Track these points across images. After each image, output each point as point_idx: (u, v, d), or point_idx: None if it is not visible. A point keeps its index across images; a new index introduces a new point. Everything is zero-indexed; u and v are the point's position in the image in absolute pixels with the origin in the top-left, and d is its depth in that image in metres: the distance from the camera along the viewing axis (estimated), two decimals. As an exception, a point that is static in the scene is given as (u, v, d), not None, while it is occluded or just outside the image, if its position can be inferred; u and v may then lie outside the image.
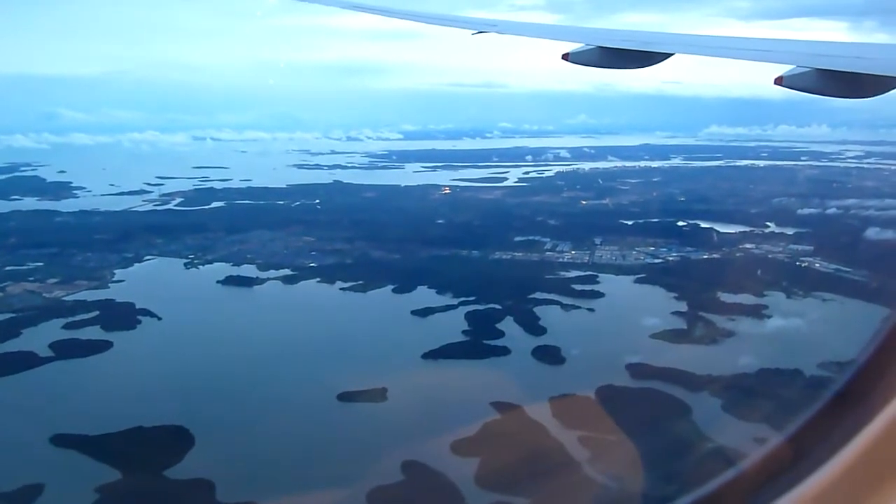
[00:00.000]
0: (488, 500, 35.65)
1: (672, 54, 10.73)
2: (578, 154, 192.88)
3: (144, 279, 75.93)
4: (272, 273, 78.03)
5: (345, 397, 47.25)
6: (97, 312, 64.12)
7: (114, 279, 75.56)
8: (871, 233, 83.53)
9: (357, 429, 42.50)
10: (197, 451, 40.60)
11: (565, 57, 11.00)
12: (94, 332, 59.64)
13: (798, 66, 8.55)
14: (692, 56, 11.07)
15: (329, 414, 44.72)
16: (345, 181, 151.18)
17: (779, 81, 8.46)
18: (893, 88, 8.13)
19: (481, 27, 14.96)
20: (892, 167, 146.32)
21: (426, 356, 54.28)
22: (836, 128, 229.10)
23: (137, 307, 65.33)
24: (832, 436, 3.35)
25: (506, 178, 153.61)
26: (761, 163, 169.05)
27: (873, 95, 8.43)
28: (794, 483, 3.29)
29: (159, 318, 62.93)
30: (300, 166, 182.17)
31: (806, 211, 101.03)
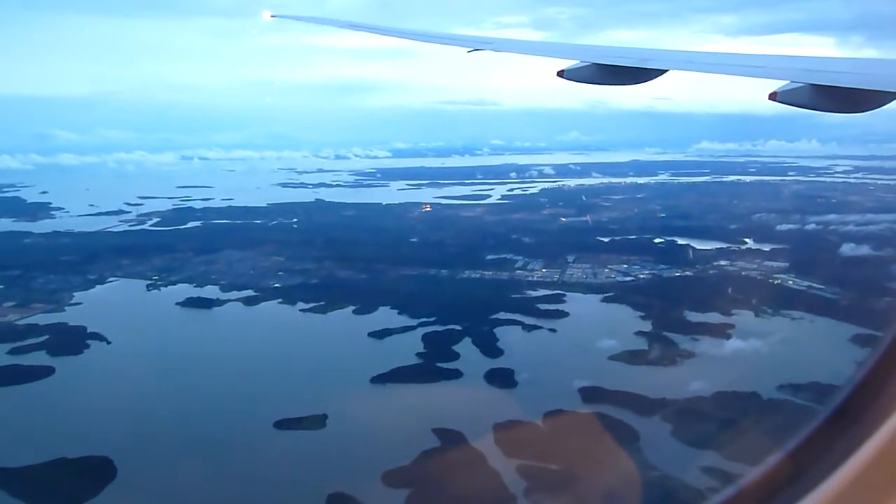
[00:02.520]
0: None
1: (666, 70, 10.76)
2: (565, 171, 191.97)
3: (102, 302, 74.32)
4: (234, 294, 76.47)
5: (282, 425, 45.58)
6: (46, 336, 62.49)
7: (71, 302, 73.96)
8: (847, 249, 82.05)
9: (287, 459, 40.79)
10: (116, 484, 38.90)
11: (560, 74, 11.01)
12: (38, 358, 57.96)
13: (792, 82, 8.57)
14: (686, 72, 11.15)
15: (262, 443, 42.90)
16: (327, 200, 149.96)
17: (773, 97, 8.46)
18: (887, 104, 8.18)
19: (476, 45, 14.93)
20: (879, 182, 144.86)
21: (375, 380, 52.64)
22: (826, 143, 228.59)
23: (88, 331, 63.73)
24: (831, 452, 3.34)
25: (489, 196, 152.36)
26: (748, 178, 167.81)
27: (866, 111, 8.44)
28: (794, 500, 3.25)
29: (108, 343, 61.35)
30: (285, 185, 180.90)
31: (785, 227, 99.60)
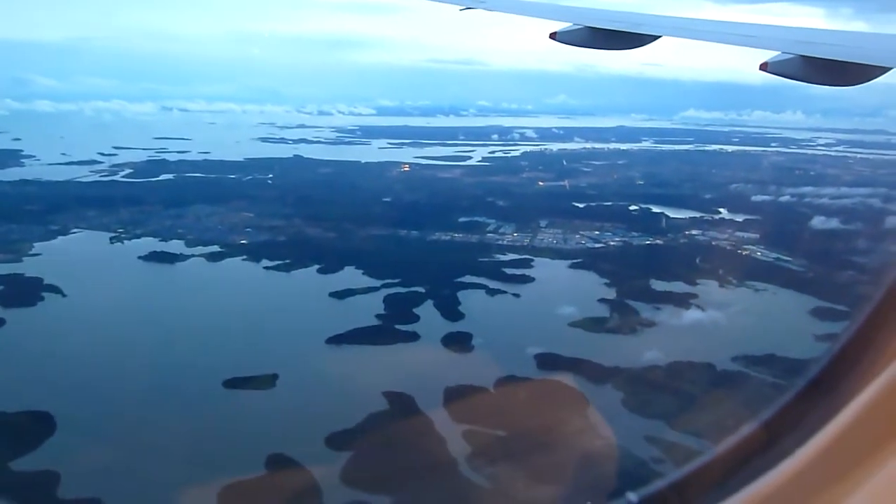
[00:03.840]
0: (345, 498, 33.56)
1: (659, 36, 10.62)
2: (549, 135, 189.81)
3: (62, 253, 72.90)
4: (199, 250, 75.24)
5: (231, 384, 45.02)
6: (1, 287, 61.30)
7: (30, 252, 72.39)
8: (817, 222, 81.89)
9: (232, 419, 40.28)
10: (55, 440, 38.20)
11: (553, 36, 10.82)
12: (-10, 309, 56.87)
13: (783, 53, 8.56)
14: (678, 39, 11.08)
15: (209, 402, 42.42)
16: (306, 156, 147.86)
17: (764, 67, 8.50)
18: (875, 77, 8.19)
19: (469, 3, 14.58)
20: (858, 156, 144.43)
21: (330, 341, 52.05)
22: (811, 115, 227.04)
23: (45, 283, 62.49)
24: (805, 423, 3.41)
25: (470, 157, 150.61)
26: (730, 148, 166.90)
27: (855, 84, 8.47)
28: (766, 469, 3.32)
29: (64, 295, 60.22)
30: (265, 140, 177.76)
31: (760, 198, 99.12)
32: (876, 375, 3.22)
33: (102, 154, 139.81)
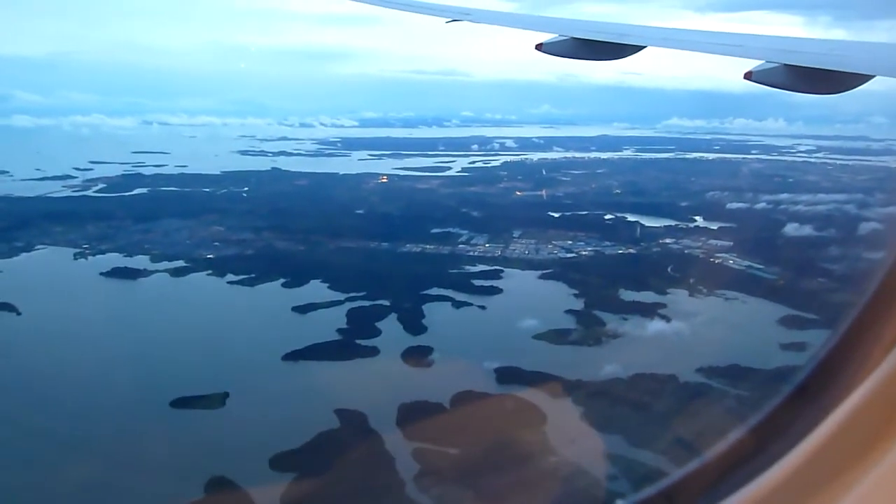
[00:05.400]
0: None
1: (644, 47, 10.74)
2: (530, 145, 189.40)
3: (23, 271, 71.56)
4: (163, 265, 73.84)
5: (179, 404, 43.68)
6: (-46, 306, 59.79)
7: (-10, 270, 70.97)
8: (791, 229, 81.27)
9: (174, 441, 38.90)
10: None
11: (539, 47, 10.99)
12: (-59, 328, 55.38)
13: (767, 62, 8.68)
14: (663, 49, 11.19)
15: (152, 423, 40.89)
16: (284, 168, 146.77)
17: (748, 76, 8.58)
18: (858, 86, 8.29)
19: (455, 15, 14.76)
20: (837, 162, 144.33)
21: (287, 357, 50.83)
22: (793, 122, 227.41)
23: (1, 301, 60.96)
24: (791, 429, 3.43)
25: (449, 168, 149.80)
26: (711, 156, 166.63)
27: (839, 91, 8.55)
28: (755, 474, 3.35)
29: (18, 314, 58.75)
30: (245, 152, 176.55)
31: (736, 205, 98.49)
32: (862, 380, 3.25)
33: (77, 169, 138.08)
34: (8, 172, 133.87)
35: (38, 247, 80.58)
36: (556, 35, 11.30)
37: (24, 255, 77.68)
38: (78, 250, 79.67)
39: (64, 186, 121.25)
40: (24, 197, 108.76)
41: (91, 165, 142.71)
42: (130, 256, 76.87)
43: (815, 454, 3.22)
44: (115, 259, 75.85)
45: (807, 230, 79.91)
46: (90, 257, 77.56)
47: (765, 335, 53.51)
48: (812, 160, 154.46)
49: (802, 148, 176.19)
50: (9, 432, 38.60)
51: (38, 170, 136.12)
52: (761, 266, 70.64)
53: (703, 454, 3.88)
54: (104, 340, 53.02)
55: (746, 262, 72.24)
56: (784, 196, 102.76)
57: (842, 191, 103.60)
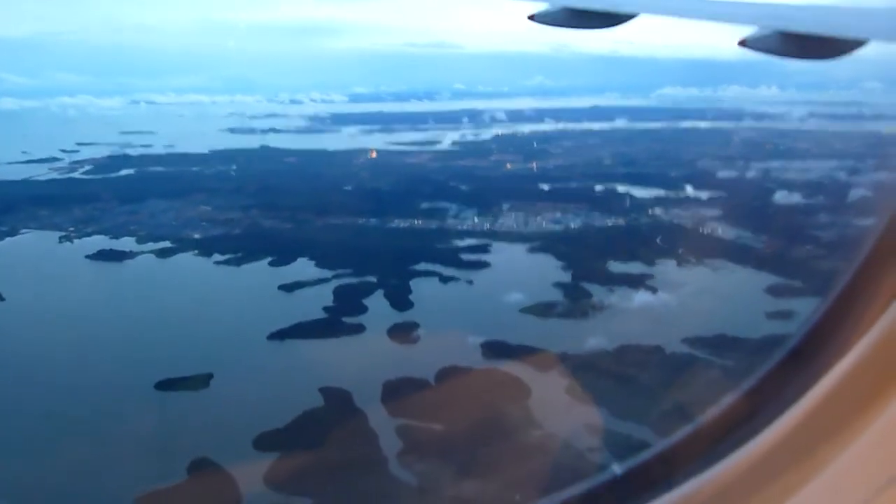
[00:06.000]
0: (267, 502, 32.23)
1: (637, 14, 10.03)
2: (522, 117, 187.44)
3: (7, 255, 71.02)
4: (149, 246, 73.35)
5: (163, 386, 43.45)
6: (-63, 292, 59.28)
7: (-26, 255, 70.45)
8: (780, 196, 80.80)
9: (158, 423, 38.81)
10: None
11: (532, 17, 10.35)
12: (-78, 315, 54.96)
13: (761, 28, 8.45)
14: (656, 17, 10.88)
15: (136, 406, 40.69)
16: (272, 146, 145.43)
17: (742, 43, 8.33)
18: (853, 50, 7.93)
19: None
20: (829, 129, 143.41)
21: (272, 337, 50.56)
22: (786, 89, 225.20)
23: (-16, 286, 60.50)
24: (784, 393, 3.47)
25: (440, 142, 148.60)
26: (703, 124, 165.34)
27: (833, 58, 8.22)
28: (750, 436, 3.41)
29: (2, 299, 58.26)
30: (233, 131, 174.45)
31: (726, 174, 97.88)
32: (854, 343, 3.31)
33: (64, 151, 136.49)
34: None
35: (23, 231, 79.86)
36: (548, 5, 10.66)
37: (7, 239, 77.03)
38: (63, 234, 78.96)
39: (50, 169, 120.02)
40: (8, 181, 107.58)
41: (78, 147, 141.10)
42: (116, 238, 76.28)
43: (809, 416, 3.31)
44: (100, 241, 75.24)
45: (796, 198, 79.42)
46: (75, 240, 76.92)
47: (752, 304, 53.36)
48: (804, 127, 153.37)
49: (795, 115, 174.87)
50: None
51: (23, 153, 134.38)
52: (750, 234, 70.39)
53: (697, 419, 3.92)
54: (88, 324, 52.68)
55: (735, 231, 71.93)
56: (775, 164, 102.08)
57: (833, 157, 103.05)
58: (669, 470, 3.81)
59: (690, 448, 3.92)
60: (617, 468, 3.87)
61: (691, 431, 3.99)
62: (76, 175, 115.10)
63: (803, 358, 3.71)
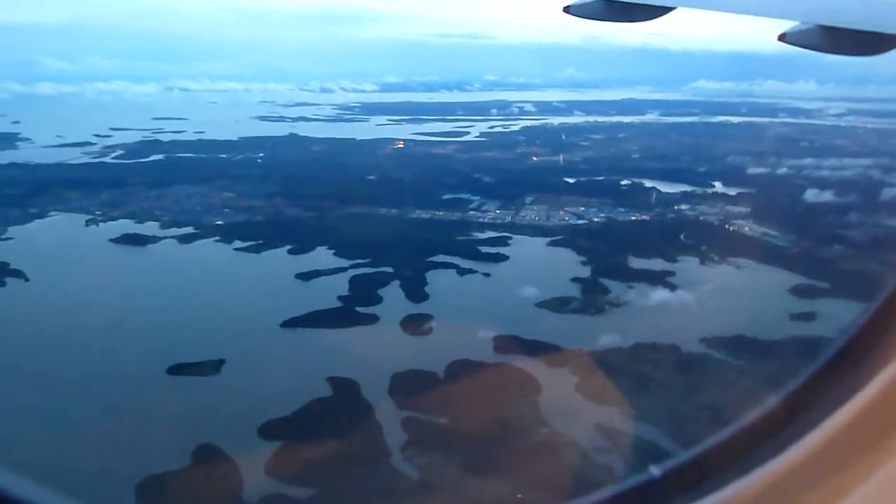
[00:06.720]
0: (264, 491, 32.28)
1: (674, 8, 10.47)
2: (552, 109, 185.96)
3: (34, 237, 72.09)
4: (172, 231, 74.11)
5: (175, 370, 43.83)
6: (-34, 273, 60.61)
7: (3, 237, 71.73)
8: (810, 195, 78.77)
9: (167, 407, 39.06)
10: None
11: (567, 10, 10.69)
12: (-50, 294, 56.22)
13: (802, 23, 8.51)
14: (692, 9, 10.91)
15: (147, 390, 41.15)
16: (301, 134, 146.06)
17: (782, 38, 8.46)
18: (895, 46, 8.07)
19: None
20: (868, 126, 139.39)
21: (285, 325, 50.70)
22: (823, 84, 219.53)
23: (11, 267, 61.64)
24: (827, 398, 3.40)
25: (468, 133, 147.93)
26: (736, 119, 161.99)
27: (875, 53, 8.35)
28: (790, 443, 3.33)
29: (27, 280, 59.36)
30: (264, 118, 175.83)
31: (756, 171, 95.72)
32: None
33: (97, 136, 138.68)
34: (31, 140, 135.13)
35: (52, 213, 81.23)
36: None
37: (36, 221, 78.37)
38: (90, 217, 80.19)
39: (82, 153, 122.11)
40: (42, 164, 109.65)
41: (111, 132, 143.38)
42: (141, 223, 77.25)
43: (852, 424, 3.18)
44: (125, 225, 76.27)
45: (827, 196, 77.33)
46: (101, 224, 78.03)
47: (774, 304, 52.09)
48: (841, 123, 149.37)
49: (832, 111, 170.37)
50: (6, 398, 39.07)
51: (58, 136, 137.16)
52: (777, 233, 68.74)
53: (733, 423, 3.86)
54: (106, 308, 53.32)
55: (762, 229, 70.32)
56: (808, 161, 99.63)
57: (869, 155, 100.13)
58: (704, 475, 3.76)
59: (728, 452, 3.87)
60: (655, 470, 3.78)
61: (729, 435, 3.94)
62: (107, 160, 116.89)
63: (848, 362, 3.62)
